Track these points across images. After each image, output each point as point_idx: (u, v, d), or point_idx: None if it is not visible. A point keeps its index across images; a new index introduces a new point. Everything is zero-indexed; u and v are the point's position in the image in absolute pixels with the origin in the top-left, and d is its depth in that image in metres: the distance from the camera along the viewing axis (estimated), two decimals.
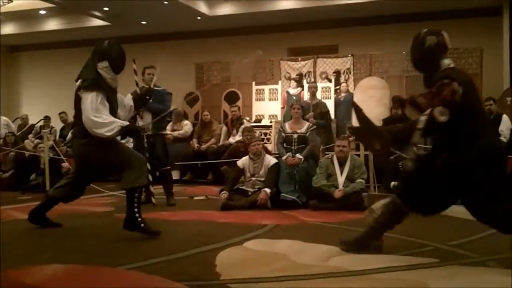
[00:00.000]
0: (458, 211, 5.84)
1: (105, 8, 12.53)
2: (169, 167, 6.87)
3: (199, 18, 13.12)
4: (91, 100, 4.23)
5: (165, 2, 11.78)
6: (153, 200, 6.44)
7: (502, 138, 7.96)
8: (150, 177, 6.46)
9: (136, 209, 4.32)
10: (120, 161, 4.37)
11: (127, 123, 4.46)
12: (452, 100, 3.21)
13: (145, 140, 6.43)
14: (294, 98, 10.67)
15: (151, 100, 6.46)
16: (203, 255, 3.79)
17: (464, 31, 12.29)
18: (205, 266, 3.45)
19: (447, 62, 3.54)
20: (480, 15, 12.35)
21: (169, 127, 9.17)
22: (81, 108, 4.30)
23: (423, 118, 3.34)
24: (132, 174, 4.30)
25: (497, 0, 11.72)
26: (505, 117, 8.21)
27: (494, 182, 3.35)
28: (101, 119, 4.23)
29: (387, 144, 3.64)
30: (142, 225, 4.32)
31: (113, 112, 4.43)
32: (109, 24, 13.62)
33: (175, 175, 8.88)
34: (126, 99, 4.91)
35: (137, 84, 6.56)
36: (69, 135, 4.83)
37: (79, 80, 4.43)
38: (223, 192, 6.27)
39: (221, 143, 9.80)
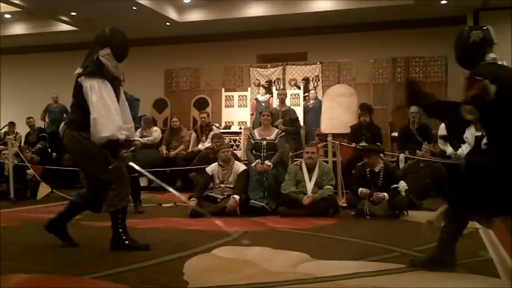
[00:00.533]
0: (424, 216, 5.96)
1: (73, 13, 12.37)
2: (137, 174, 6.79)
3: (168, 24, 13.07)
4: (97, 88, 3.93)
5: (134, 8, 11.70)
6: None
7: (466, 144, 8.15)
8: None
9: (120, 229, 4.18)
10: (109, 177, 4.08)
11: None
12: (482, 98, 3.11)
13: None
14: (263, 104, 10.71)
15: None
16: (171, 263, 3.75)
17: (430, 40, 12.60)
18: (173, 274, 3.42)
19: (491, 56, 3.44)
20: (445, 24, 12.62)
21: (137, 133, 9.08)
22: (87, 98, 3.96)
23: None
24: (117, 196, 4.11)
25: (462, 10, 12.01)
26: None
27: None
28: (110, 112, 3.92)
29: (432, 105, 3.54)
30: (126, 242, 4.18)
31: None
32: (77, 29, 13.44)
33: (143, 182, 8.80)
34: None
35: None
36: (61, 125, 4.42)
37: (79, 68, 4.15)
38: (192, 199, 6.24)
39: (190, 149, 9.75)
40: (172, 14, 12.77)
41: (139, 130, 9.51)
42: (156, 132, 9.83)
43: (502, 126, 3.26)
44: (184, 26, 13.17)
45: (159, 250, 4.14)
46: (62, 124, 4.31)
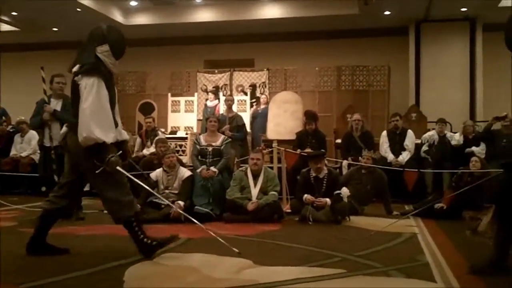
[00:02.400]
0: (364, 222, 6.11)
1: (14, 13, 11.96)
2: None
3: None
4: (92, 86, 3.78)
5: (78, 9, 11.44)
6: None
7: (407, 152, 8.41)
8: None
9: (141, 236, 4.04)
10: (111, 183, 3.96)
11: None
12: None
13: (53, 151, 6.17)
14: (209, 110, 10.68)
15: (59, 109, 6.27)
16: (112, 271, 3.67)
17: (373, 49, 12.97)
18: (113, 283, 3.35)
19: None
20: (388, 34, 13.05)
21: None
22: (80, 95, 3.82)
23: None
24: (121, 206, 3.98)
25: (404, 21, 12.42)
26: (410, 132, 8.65)
27: None
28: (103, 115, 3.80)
29: None
30: (154, 243, 4.08)
31: (112, 103, 3.99)
32: (18, 29, 13.00)
33: (85, 187, 8.57)
34: None
35: (45, 93, 6.30)
36: (64, 128, 4.18)
37: (76, 66, 3.95)
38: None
39: (134, 154, 9.58)
40: (118, 16, 12.57)
41: None
42: None
43: None
44: (130, 29, 12.93)
45: (99, 257, 4.05)
46: (64, 127, 4.17)
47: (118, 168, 3.95)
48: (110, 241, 4.87)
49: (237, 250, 4.13)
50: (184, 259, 4.07)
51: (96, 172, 3.85)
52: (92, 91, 3.80)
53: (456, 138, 8.65)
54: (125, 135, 4.33)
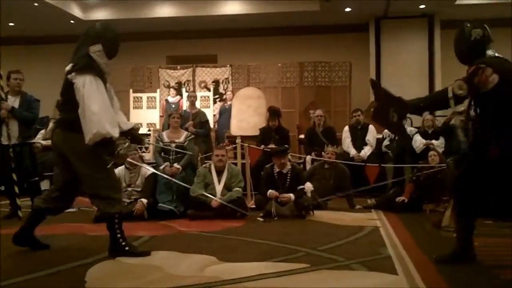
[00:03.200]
0: (328, 216, 6.17)
1: None
2: (37, 178, 6.47)
3: (72, 22, 12.57)
4: (90, 84, 3.79)
5: (36, 4, 11.15)
6: (20, 213, 6.01)
7: (368, 147, 8.53)
8: (16, 189, 6.07)
9: (119, 235, 4.04)
10: (102, 181, 3.98)
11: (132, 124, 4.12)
12: (483, 83, 3.23)
13: (11, 149, 6.01)
14: (173, 106, 10.59)
15: (17, 107, 6.11)
16: (72, 271, 3.60)
17: (335, 45, 13.11)
18: (74, 283, 3.29)
19: (490, 52, 3.53)
20: (350, 31, 13.19)
21: (39, 135, 8.66)
22: (78, 95, 3.81)
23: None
24: (108, 202, 3.98)
25: (365, 18, 12.58)
26: (371, 127, 8.77)
27: None
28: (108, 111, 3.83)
29: (406, 108, 3.58)
30: (127, 248, 4.06)
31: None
32: None
33: (45, 185, 8.39)
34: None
35: (2, 89, 6.12)
36: (50, 125, 4.16)
37: (69, 65, 3.95)
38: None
39: None
40: (76, 12, 12.31)
41: (42, 132, 9.12)
42: None
43: (501, 117, 3.36)
44: (89, 24, 12.67)
45: (59, 257, 3.97)
46: (52, 123, 4.12)
47: (129, 160, 4.00)
48: (70, 240, 4.78)
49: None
50: (146, 257, 4.01)
51: (108, 166, 4.00)
52: (92, 88, 3.82)
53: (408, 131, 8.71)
54: (130, 124, 4.40)
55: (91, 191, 4.07)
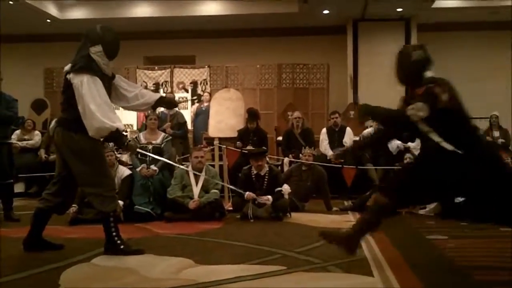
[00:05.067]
0: (305, 218, 6.19)
1: None
2: (12, 181, 6.36)
3: (49, 21, 12.41)
4: (88, 83, 3.89)
5: (10, 2, 10.97)
6: None
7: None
8: None
9: (114, 234, 4.11)
10: (101, 178, 4.08)
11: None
12: (440, 103, 3.33)
13: None
14: None
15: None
16: (46, 275, 3.54)
17: (313, 47, 13.15)
18: (48, 287, 3.23)
19: (430, 74, 3.62)
20: (328, 33, 13.25)
21: (14, 136, 8.54)
22: (77, 94, 3.92)
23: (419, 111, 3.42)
24: (103, 200, 4.06)
25: (342, 20, 12.64)
26: (348, 129, 8.84)
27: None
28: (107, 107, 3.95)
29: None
30: (122, 247, 4.11)
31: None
32: None
33: (20, 187, 8.26)
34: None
35: None
36: (52, 123, 4.18)
37: (68, 65, 4.02)
38: (72, 205, 5.93)
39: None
40: (53, 10, 12.15)
41: (17, 132, 9.02)
42: (37, 136, 9.36)
43: (449, 131, 3.45)
44: (66, 23, 12.57)
45: (32, 260, 3.90)
46: (53, 122, 4.24)
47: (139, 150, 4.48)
48: None
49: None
50: (122, 259, 3.97)
51: (103, 166, 4.16)
52: (90, 87, 3.91)
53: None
54: (155, 95, 4.58)
55: (85, 189, 4.19)
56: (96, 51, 4.06)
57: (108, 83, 4.18)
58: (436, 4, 11.58)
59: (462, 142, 3.42)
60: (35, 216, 4.27)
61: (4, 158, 6.10)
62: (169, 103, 4.83)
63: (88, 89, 3.91)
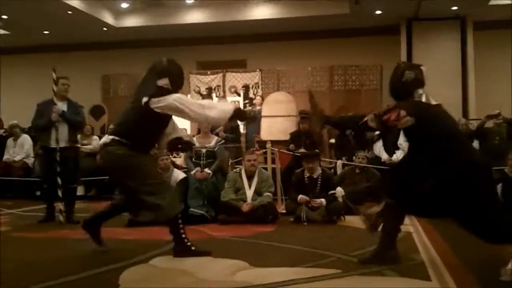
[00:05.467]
0: (359, 222, 6.10)
1: (4, 16, 11.90)
2: (75, 185, 6.58)
3: (105, 29, 12.81)
4: (179, 97, 4.08)
5: (69, 12, 11.40)
6: (61, 218, 6.09)
7: (401, 151, 8.40)
8: (59, 193, 6.15)
9: (183, 235, 4.20)
10: (153, 187, 4.12)
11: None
12: (394, 123, 3.50)
13: (58, 153, 6.09)
14: None
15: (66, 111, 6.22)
16: (106, 275, 3.65)
17: (365, 48, 12.98)
18: (107, 286, 3.33)
19: (417, 94, 3.74)
20: (380, 33, 13.05)
21: None
22: (177, 111, 4.08)
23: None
24: (166, 203, 4.11)
25: (395, 20, 12.42)
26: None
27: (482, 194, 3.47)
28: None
29: (322, 121, 4.00)
30: (193, 248, 4.21)
31: (165, 126, 4.31)
32: (8, 33, 12.94)
33: (80, 191, 8.55)
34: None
35: (55, 94, 6.23)
36: (104, 139, 4.40)
37: (144, 98, 4.05)
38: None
39: None
40: (108, 19, 12.54)
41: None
42: (95, 141, 9.64)
43: (434, 147, 3.57)
44: (122, 31, 12.96)
45: (93, 261, 4.04)
46: (105, 138, 4.37)
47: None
48: None
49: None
50: (178, 261, 4.05)
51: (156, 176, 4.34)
52: (183, 98, 4.13)
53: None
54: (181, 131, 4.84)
55: (143, 201, 4.17)
56: (163, 84, 4.11)
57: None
58: (493, 1, 11.20)
59: (433, 155, 3.54)
60: (111, 207, 4.52)
61: (71, 163, 6.28)
62: (184, 144, 4.71)
63: (185, 99, 4.12)
